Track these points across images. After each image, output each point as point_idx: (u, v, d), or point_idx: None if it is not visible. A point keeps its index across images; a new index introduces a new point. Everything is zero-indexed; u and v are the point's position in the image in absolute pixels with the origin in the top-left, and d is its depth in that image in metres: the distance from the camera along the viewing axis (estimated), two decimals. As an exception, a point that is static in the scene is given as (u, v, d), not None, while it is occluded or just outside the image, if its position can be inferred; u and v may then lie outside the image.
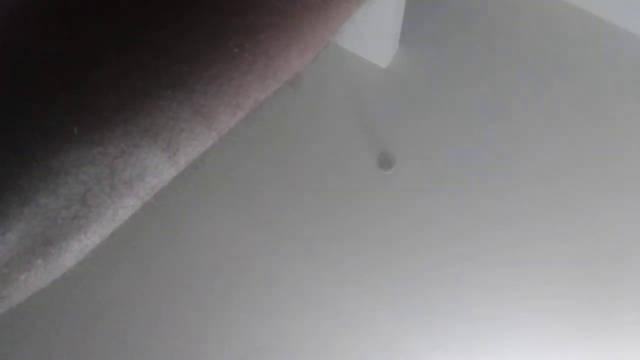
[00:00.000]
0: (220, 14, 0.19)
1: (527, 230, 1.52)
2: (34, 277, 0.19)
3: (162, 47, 0.19)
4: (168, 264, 1.55)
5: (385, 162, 1.56)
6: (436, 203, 1.55)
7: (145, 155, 0.19)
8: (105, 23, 0.19)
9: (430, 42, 1.69)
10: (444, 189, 1.56)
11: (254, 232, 1.55)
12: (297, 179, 1.59)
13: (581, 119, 1.59)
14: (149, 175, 0.20)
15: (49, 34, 0.18)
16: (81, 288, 1.48)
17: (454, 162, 1.57)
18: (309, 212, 1.56)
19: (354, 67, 1.65)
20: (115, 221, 0.20)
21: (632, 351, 1.45)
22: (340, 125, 1.62)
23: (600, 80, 1.62)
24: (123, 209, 0.20)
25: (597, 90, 1.61)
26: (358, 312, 1.50)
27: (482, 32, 1.69)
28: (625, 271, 1.48)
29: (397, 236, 1.54)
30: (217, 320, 1.52)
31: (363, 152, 1.59)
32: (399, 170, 1.56)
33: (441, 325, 1.48)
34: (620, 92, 1.61)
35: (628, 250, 1.49)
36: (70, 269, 0.20)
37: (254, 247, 1.55)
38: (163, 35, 0.19)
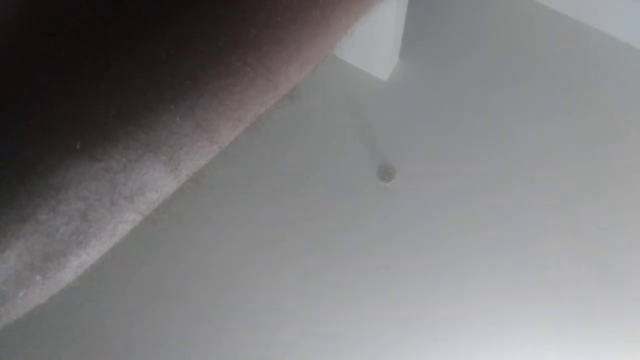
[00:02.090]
0: (222, 28, 0.19)
1: (527, 241, 1.51)
2: (32, 293, 0.19)
3: (165, 61, 0.19)
4: (166, 282, 1.54)
5: (385, 173, 1.56)
6: (436, 214, 1.55)
7: (146, 169, 0.19)
8: (108, 36, 0.18)
9: (430, 54, 1.70)
10: (444, 200, 1.56)
11: (251, 246, 1.55)
12: (297, 191, 1.58)
13: (584, 129, 1.59)
14: (149, 190, 0.20)
15: (49, 46, 0.18)
16: (76, 307, 1.47)
17: (453, 174, 1.57)
18: (308, 224, 1.56)
19: (355, 79, 1.66)
20: (114, 236, 0.20)
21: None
22: (341, 137, 1.62)
23: (605, 94, 1.63)
24: (123, 224, 0.20)
25: (601, 106, 1.62)
26: (358, 324, 1.49)
27: (482, 44, 1.70)
28: (626, 272, 1.47)
29: (397, 247, 1.53)
30: (219, 339, 1.51)
31: (363, 164, 1.59)
32: (399, 182, 1.56)
33: (442, 334, 1.47)
34: (622, 102, 1.61)
35: (629, 251, 1.48)
36: (69, 284, 0.20)
37: (251, 262, 1.54)
38: (166, 49, 0.19)
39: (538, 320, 1.47)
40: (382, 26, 1.45)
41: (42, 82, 0.18)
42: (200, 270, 1.54)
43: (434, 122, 1.62)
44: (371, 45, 1.53)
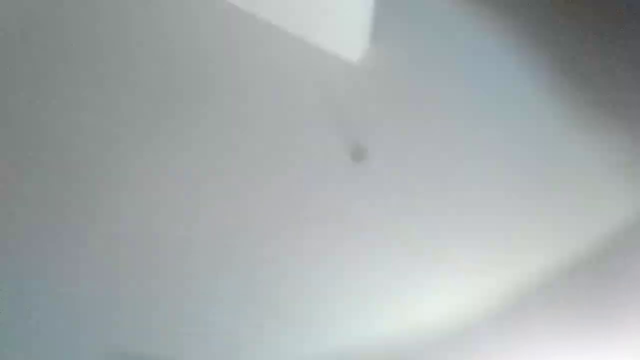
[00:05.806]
0: None
1: (506, 221, 1.54)
2: None
3: None
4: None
5: (357, 154, 1.56)
6: (409, 196, 1.56)
7: None
8: None
9: (401, 35, 1.69)
10: (417, 181, 1.57)
11: (225, 230, 1.54)
12: (268, 174, 1.57)
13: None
14: None
15: None
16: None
17: (426, 155, 1.58)
18: (280, 205, 1.55)
19: (324, 61, 1.64)
20: None
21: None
22: (312, 119, 1.61)
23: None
24: None
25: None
26: (337, 303, 1.50)
27: (453, 26, 1.70)
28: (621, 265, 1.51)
29: (369, 226, 1.54)
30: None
31: (335, 145, 1.59)
32: (371, 163, 1.57)
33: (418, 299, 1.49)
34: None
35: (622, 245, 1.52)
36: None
37: (226, 248, 1.53)
38: None
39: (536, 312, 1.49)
40: (350, 6, 1.44)
41: None
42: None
43: (406, 104, 1.63)
44: (340, 26, 1.52)
